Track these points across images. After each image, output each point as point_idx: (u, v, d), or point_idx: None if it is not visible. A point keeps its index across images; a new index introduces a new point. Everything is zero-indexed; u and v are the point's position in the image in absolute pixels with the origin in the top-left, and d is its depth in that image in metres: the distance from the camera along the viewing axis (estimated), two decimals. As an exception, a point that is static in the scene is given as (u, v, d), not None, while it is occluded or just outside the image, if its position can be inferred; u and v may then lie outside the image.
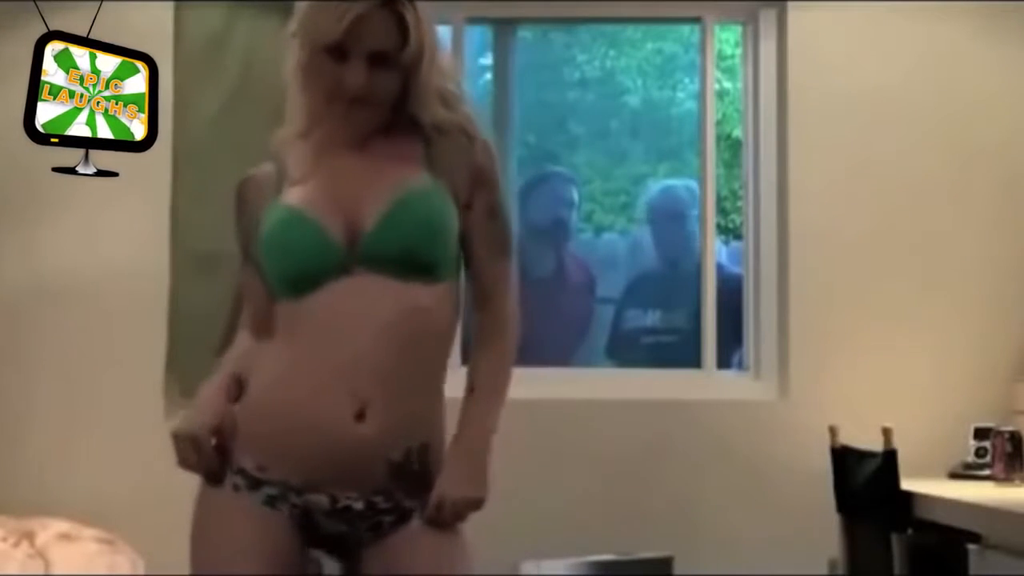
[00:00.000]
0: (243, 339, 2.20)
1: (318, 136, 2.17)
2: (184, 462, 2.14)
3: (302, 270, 2.06)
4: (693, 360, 4.19)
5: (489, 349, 2.16)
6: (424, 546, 2.07)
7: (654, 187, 4.98)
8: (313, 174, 2.13)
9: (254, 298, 2.18)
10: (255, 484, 2.08)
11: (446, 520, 2.07)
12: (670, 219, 4.64)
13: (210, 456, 2.11)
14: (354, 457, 2.02)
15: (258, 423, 2.08)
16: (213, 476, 2.12)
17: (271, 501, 2.07)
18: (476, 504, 2.08)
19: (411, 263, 2.05)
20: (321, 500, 2.05)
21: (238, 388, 2.12)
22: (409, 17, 2.07)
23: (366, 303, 2.03)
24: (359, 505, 2.05)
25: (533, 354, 3.82)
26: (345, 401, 2.01)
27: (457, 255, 2.13)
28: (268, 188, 2.17)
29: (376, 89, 2.08)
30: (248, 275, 2.20)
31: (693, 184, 4.58)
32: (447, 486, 2.06)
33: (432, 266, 2.07)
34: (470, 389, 2.14)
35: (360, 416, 2.01)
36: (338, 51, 2.09)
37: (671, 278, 4.61)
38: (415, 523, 2.07)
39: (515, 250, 2.23)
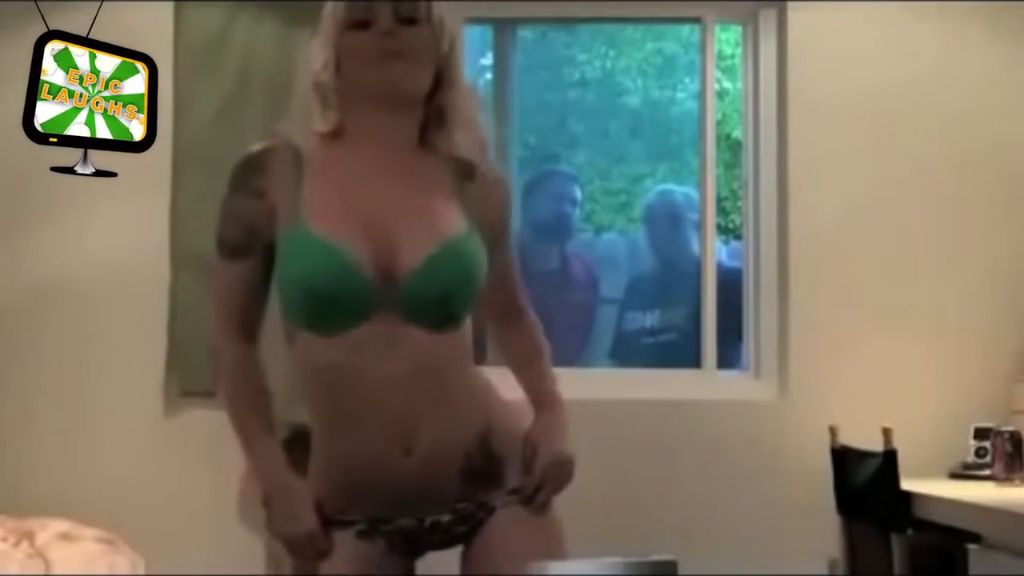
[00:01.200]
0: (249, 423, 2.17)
1: (351, 133, 2.09)
2: (303, 558, 2.10)
3: (335, 305, 1.99)
4: (693, 360, 4.19)
5: (533, 360, 2.26)
6: (521, 523, 2.10)
7: (651, 191, 5.00)
8: (344, 192, 2.04)
9: (246, 300, 2.09)
10: (344, 524, 2.08)
11: (557, 482, 2.13)
12: (665, 222, 4.66)
13: (327, 545, 2.08)
14: (420, 485, 2.04)
15: (325, 482, 2.09)
16: (325, 555, 2.08)
17: (363, 535, 2.08)
18: (570, 462, 2.18)
19: (447, 311, 2.03)
20: (409, 523, 2.08)
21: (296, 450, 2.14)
22: None
23: (391, 351, 1.98)
24: (446, 517, 2.09)
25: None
26: (391, 440, 2.01)
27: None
28: (285, 173, 2.06)
29: (408, 42, 2.03)
30: (244, 271, 2.08)
31: (689, 189, 4.64)
32: (553, 448, 2.14)
33: (463, 315, 2.07)
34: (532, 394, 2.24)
35: (408, 453, 2.02)
36: (364, 24, 2.04)
37: (671, 278, 4.62)
38: (506, 509, 2.10)
39: (518, 253, 2.26)
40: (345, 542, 2.07)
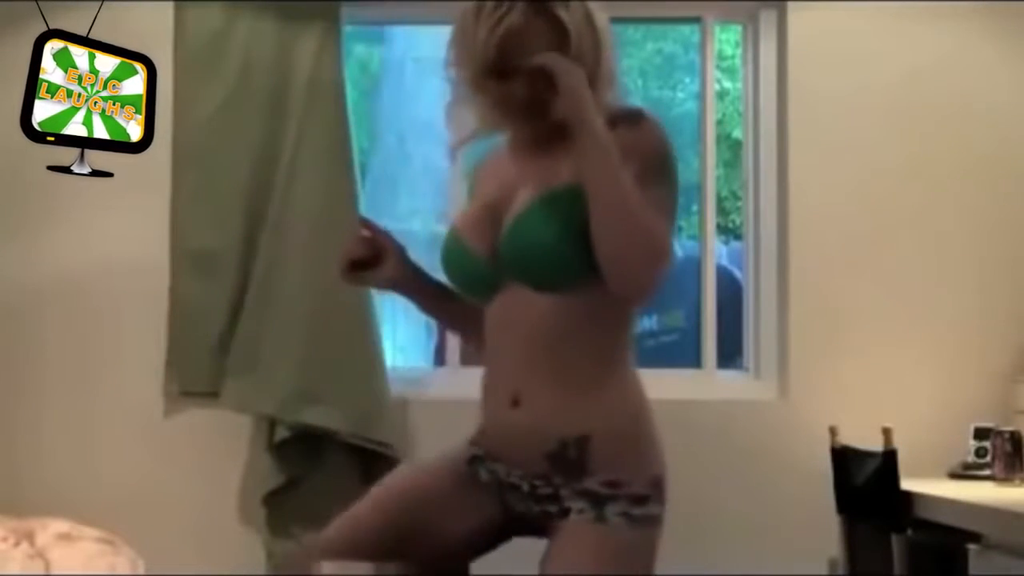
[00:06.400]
0: None
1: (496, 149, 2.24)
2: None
3: (461, 286, 2.20)
4: (692, 360, 4.19)
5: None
6: (571, 544, 2.06)
7: None
8: (480, 186, 2.25)
9: None
10: (467, 448, 2.22)
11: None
12: None
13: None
14: (512, 436, 2.12)
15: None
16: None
17: (471, 462, 2.20)
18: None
19: (535, 266, 2.06)
20: (499, 468, 2.16)
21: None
22: (566, 17, 2.03)
23: (511, 312, 2.10)
24: (524, 485, 2.12)
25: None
26: (504, 391, 2.11)
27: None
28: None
29: (547, 97, 2.00)
30: None
31: None
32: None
33: (556, 268, 2.05)
34: None
35: (515, 403, 2.09)
36: (499, 71, 2.04)
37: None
38: (572, 520, 2.07)
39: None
40: (459, 464, 2.21)
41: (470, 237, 2.14)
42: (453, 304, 2.30)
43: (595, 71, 2.06)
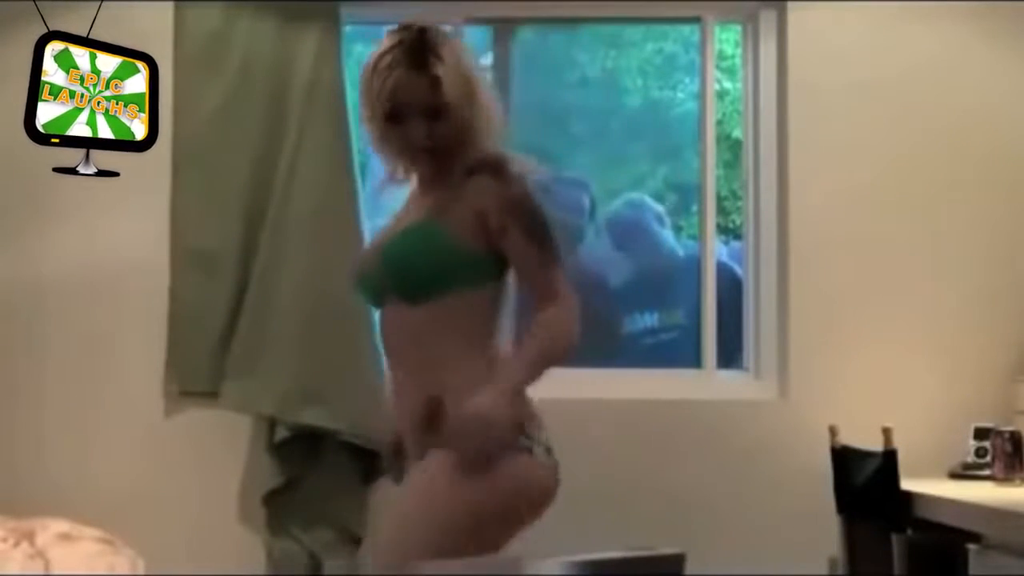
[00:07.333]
0: None
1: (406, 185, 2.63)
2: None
3: (363, 297, 2.64)
4: (693, 360, 4.19)
5: (538, 329, 2.42)
6: (416, 475, 2.45)
7: (613, 204, 5.04)
8: (400, 209, 2.63)
9: None
10: None
11: (448, 432, 2.36)
12: (629, 230, 4.71)
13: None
14: (407, 426, 2.54)
15: None
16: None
17: None
18: (482, 420, 2.31)
19: (400, 285, 2.46)
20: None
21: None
22: (441, 72, 2.41)
23: (387, 319, 2.52)
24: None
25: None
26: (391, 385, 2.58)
27: (453, 278, 2.43)
28: None
29: (436, 139, 2.45)
30: None
31: (645, 197, 4.81)
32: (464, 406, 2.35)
33: (418, 287, 2.44)
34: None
35: (399, 396, 2.54)
36: (395, 116, 2.45)
37: (663, 279, 4.66)
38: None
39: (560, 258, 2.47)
40: None
41: (368, 256, 2.59)
42: None
43: (470, 119, 2.45)
